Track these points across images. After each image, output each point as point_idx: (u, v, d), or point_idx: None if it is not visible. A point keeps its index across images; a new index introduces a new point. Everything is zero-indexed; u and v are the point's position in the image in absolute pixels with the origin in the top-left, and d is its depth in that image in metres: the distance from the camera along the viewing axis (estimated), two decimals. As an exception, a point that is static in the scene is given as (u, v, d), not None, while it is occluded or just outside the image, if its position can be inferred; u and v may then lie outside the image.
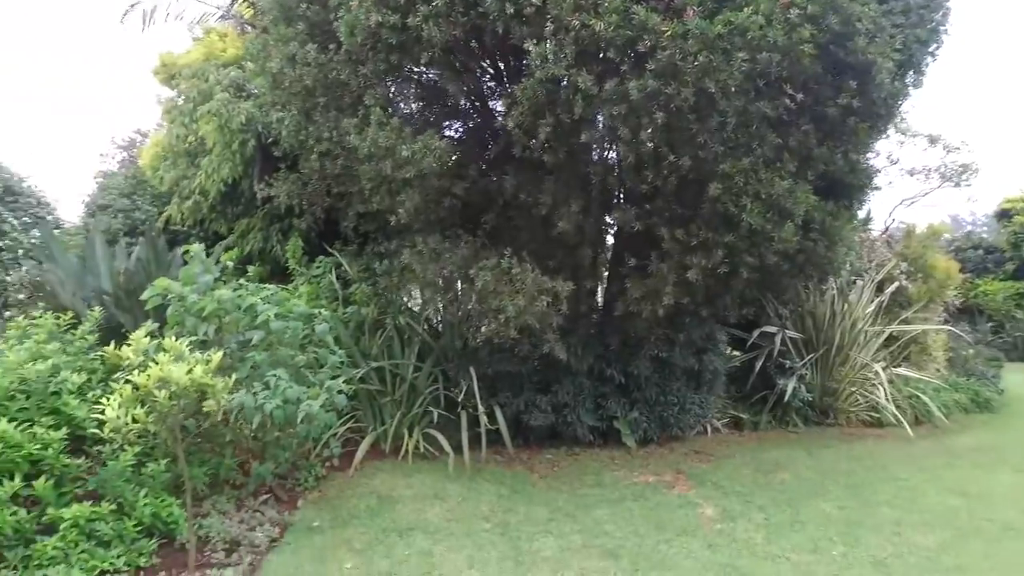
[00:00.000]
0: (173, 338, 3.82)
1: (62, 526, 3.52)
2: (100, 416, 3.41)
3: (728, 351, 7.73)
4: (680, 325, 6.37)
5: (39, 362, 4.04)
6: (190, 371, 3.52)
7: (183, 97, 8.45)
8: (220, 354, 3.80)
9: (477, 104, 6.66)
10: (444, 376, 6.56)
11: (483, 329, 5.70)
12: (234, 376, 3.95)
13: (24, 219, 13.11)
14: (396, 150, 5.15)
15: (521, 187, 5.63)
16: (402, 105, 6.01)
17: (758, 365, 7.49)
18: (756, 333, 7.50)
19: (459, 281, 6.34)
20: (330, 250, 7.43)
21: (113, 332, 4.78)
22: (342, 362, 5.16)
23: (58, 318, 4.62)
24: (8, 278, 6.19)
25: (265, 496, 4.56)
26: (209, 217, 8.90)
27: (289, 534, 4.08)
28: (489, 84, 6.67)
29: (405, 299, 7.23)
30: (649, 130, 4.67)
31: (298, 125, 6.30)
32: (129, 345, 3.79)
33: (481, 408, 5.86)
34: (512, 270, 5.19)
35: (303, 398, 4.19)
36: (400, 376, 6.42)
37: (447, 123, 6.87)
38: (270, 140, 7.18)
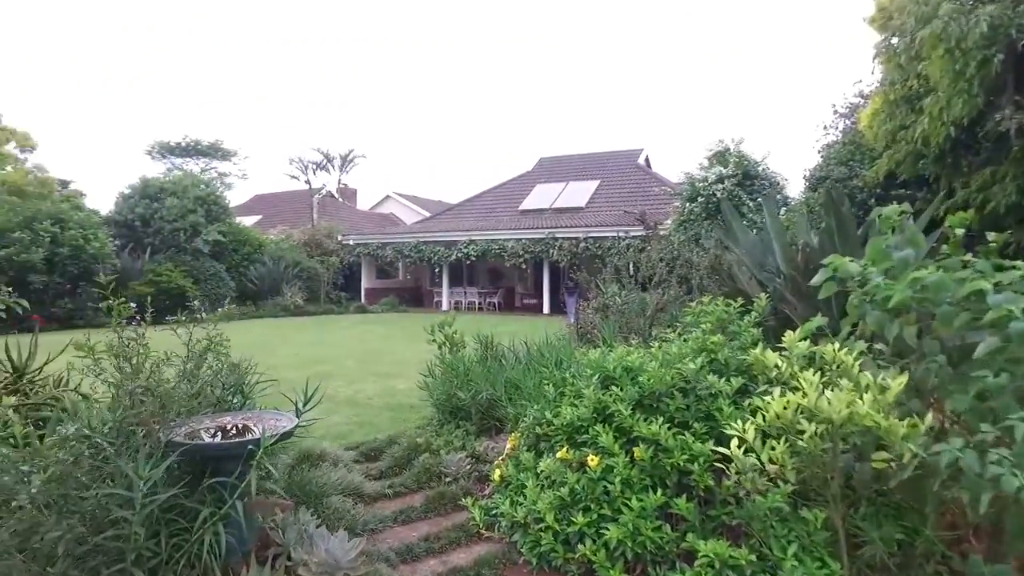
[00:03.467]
0: (836, 344, 2.64)
1: (697, 561, 2.87)
2: (720, 450, 2.57)
3: None
4: None
5: (695, 358, 3.52)
6: (852, 402, 2.28)
7: (896, 34, 6.88)
8: (902, 379, 2.39)
9: None
10: None
11: None
12: (928, 418, 2.45)
13: (757, 199, 13.94)
14: None
15: None
16: None
17: None
18: None
19: None
20: None
21: (786, 324, 3.91)
22: None
23: (729, 304, 4.06)
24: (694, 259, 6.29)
25: (994, 602, 2.83)
26: (933, 171, 7.06)
27: None
28: None
29: None
30: None
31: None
32: (779, 348, 2.83)
33: None
34: None
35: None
36: None
37: None
38: (1024, 47, 4.93)
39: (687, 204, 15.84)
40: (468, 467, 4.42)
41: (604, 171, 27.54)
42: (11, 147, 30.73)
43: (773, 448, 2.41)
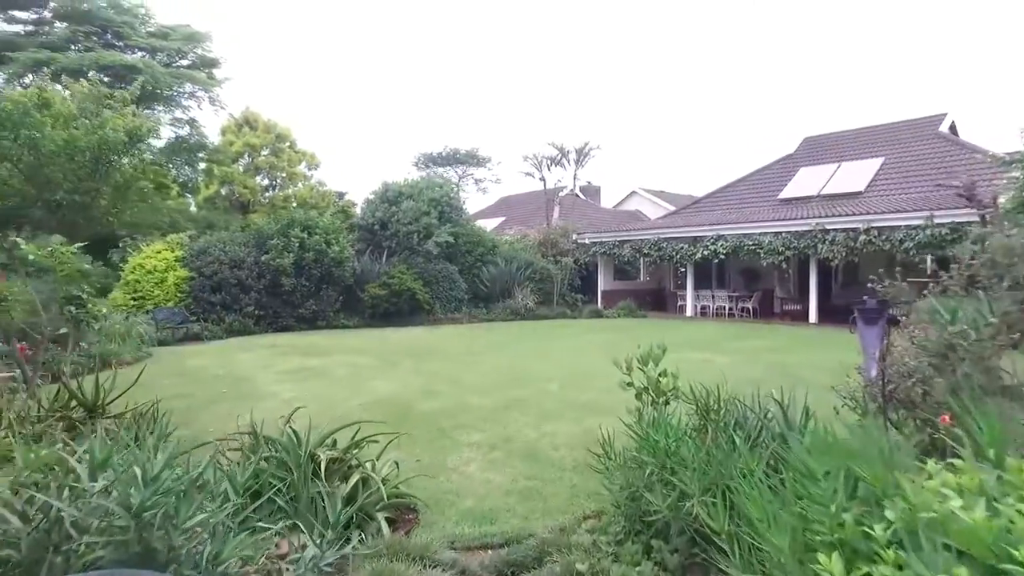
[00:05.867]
0: None
1: None
2: None
3: None
4: None
5: None
6: None
7: None
8: None
9: None
10: None
11: None
12: None
13: None
14: None
15: None
16: None
17: None
18: None
19: None
20: None
21: None
22: None
23: None
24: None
25: None
26: None
27: None
28: None
29: None
30: None
31: None
32: None
33: None
34: None
35: None
36: None
37: None
38: None
39: (1030, 174, 11.39)
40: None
41: (890, 146, 22.32)
42: (302, 167, 35.07)
43: None
